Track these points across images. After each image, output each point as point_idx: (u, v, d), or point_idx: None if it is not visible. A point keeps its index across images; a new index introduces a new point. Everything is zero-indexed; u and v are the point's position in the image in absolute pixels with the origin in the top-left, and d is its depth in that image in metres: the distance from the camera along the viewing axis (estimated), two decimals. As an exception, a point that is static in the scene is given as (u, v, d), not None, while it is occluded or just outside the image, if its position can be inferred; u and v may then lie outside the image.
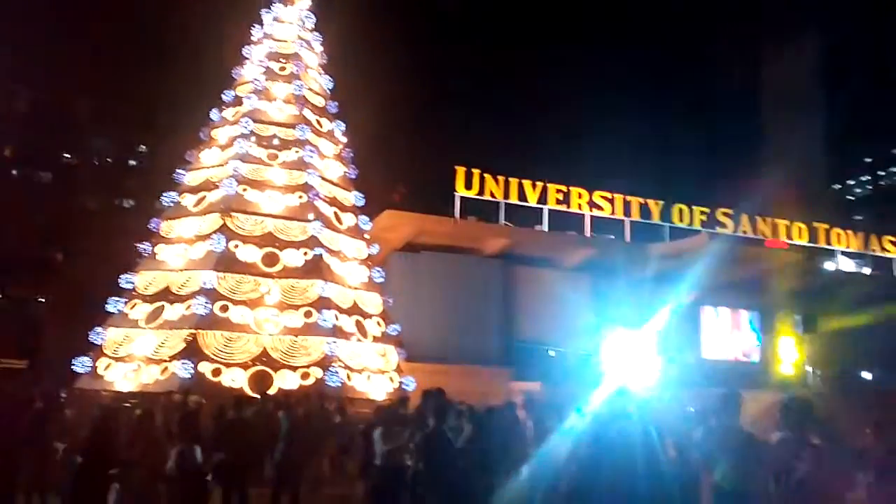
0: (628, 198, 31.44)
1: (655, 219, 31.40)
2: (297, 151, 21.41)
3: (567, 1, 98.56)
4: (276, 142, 21.45)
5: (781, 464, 5.17)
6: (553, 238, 30.64)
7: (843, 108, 57.90)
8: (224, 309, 18.47)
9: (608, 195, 31.27)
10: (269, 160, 21.13)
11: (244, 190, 20.29)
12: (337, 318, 19.46)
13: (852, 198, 58.55)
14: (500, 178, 29.71)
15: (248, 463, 8.95)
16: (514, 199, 29.75)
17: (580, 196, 30.85)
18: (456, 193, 28.94)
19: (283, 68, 23.14)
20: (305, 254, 19.86)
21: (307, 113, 22.53)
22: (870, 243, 34.47)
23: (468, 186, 29.10)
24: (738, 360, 31.78)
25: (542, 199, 30.19)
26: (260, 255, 19.48)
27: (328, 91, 24.03)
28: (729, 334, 32.43)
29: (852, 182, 59.05)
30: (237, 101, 22.50)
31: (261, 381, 17.75)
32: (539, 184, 30.28)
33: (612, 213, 31.19)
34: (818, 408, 5.64)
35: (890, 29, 54.57)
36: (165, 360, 17.71)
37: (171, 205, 20.99)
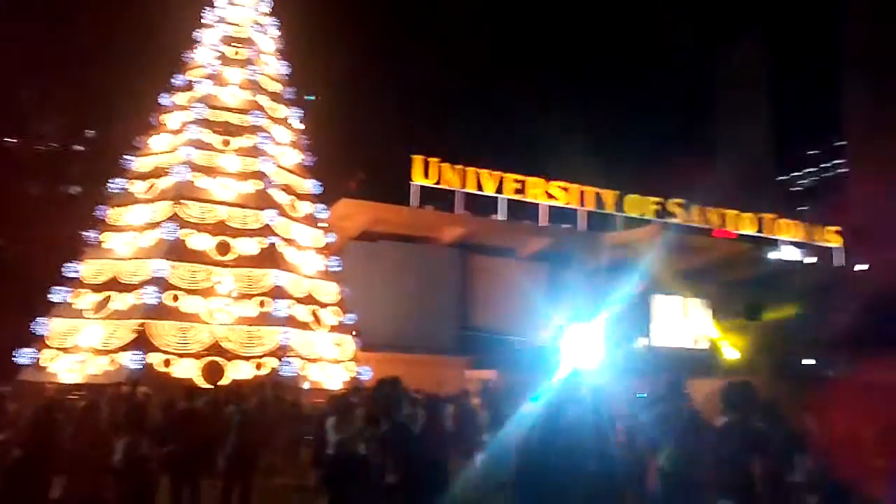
0: (583, 188, 31.89)
1: (609, 209, 31.93)
2: (250, 138, 21.02)
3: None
4: (229, 128, 21.02)
5: (725, 447, 5.33)
6: (510, 227, 30.88)
7: (789, 103, 59.59)
8: (175, 298, 18.09)
9: (564, 185, 31.66)
10: (222, 147, 20.70)
11: (196, 177, 19.84)
12: (291, 308, 19.26)
13: (797, 189, 60.42)
14: (458, 167, 29.79)
15: (200, 454, 8.81)
16: (471, 189, 29.87)
17: (536, 186, 31.16)
18: (413, 182, 28.90)
19: (237, 53, 22.63)
20: (260, 242, 19.57)
21: (262, 99, 22.12)
22: (813, 233, 35.72)
23: (425, 175, 29.10)
24: (687, 347, 32.57)
25: (499, 188, 30.39)
26: (213, 244, 19.11)
27: (284, 77, 23.63)
28: (679, 322, 33.17)
29: (797, 174, 60.93)
30: (188, 86, 21.93)
31: (213, 371, 17.48)
32: (496, 173, 30.46)
33: (568, 202, 31.60)
34: (760, 392, 5.82)
35: (835, 26, 56.26)
36: (114, 351, 17.28)
37: (120, 192, 20.40)
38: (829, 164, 58.32)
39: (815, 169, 59.75)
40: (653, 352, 28.81)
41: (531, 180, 31.12)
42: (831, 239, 36.09)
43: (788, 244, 34.84)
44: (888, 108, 50.93)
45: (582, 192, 31.75)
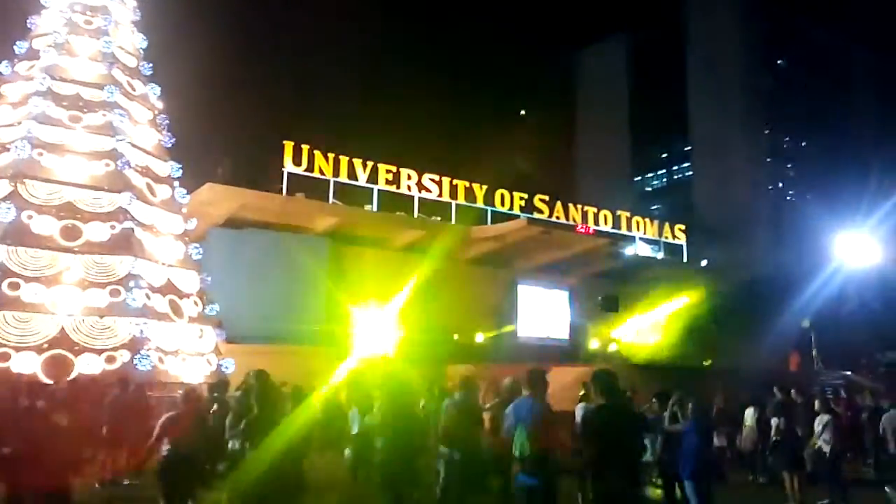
0: (455, 181, 32.44)
1: (479, 202, 32.69)
2: (104, 115, 19.44)
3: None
4: (80, 103, 19.33)
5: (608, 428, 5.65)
6: (382, 218, 30.80)
7: (645, 108, 63.70)
8: (14, 287, 16.44)
9: (436, 178, 32.04)
10: (71, 123, 18.99)
11: (40, 154, 18.08)
12: (148, 298, 18.10)
13: (650, 189, 64.78)
14: (331, 155, 29.31)
15: (40, 457, 8.09)
16: (343, 178, 29.49)
17: (409, 177, 31.31)
18: (284, 169, 28.10)
19: (89, 21, 20.82)
20: (113, 227, 18.18)
21: (117, 73, 20.52)
22: (663, 231, 38.52)
23: (297, 162, 28.37)
24: (550, 338, 34.12)
25: (373, 178, 30.24)
26: (58, 228, 17.52)
27: (141, 51, 22.05)
28: (543, 313, 34.67)
29: (650, 175, 65.29)
30: (33, 54, 19.94)
31: (58, 366, 16.07)
32: (370, 163, 30.27)
33: (440, 195, 32.01)
34: (619, 380, 6.19)
35: (691, 34, 60.74)
36: (-62, 345, 15.46)
37: (-53, 167, 18.21)
38: (676, 167, 62.90)
39: (665, 171, 64.24)
40: (519, 342, 29.91)
41: (405, 171, 31.23)
42: (680, 236, 39.09)
43: (642, 240, 37.30)
44: (726, 115, 55.82)
45: (454, 186, 32.29)
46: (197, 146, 27.00)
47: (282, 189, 28.10)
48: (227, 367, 19.20)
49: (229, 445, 8.28)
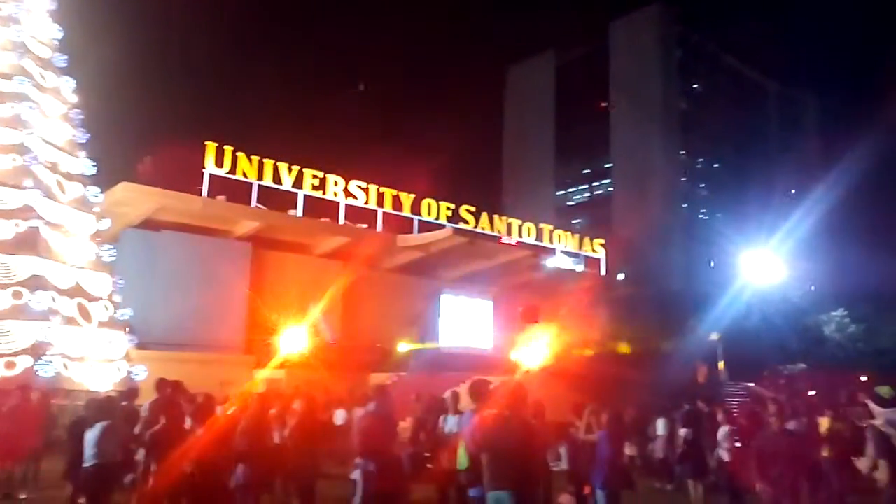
0: (382, 189, 32.35)
1: (406, 211, 32.71)
2: (12, 106, 18.46)
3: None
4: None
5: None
6: (306, 224, 30.35)
7: (569, 125, 65.46)
8: None
9: (363, 185, 31.86)
10: (-26, 113, 17.94)
11: (-63, 145, 16.98)
12: (54, 301, 17.21)
13: (572, 203, 66.50)
14: (255, 157, 28.69)
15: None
16: (268, 181, 28.92)
17: (336, 183, 31.01)
18: (205, 170, 27.31)
19: (-2, 7, 19.73)
20: (17, 225, 17.24)
21: (28, 63, 19.52)
22: (583, 244, 39.62)
23: (219, 164, 27.64)
24: (473, 347, 34.41)
25: (298, 183, 29.79)
26: (-45, 224, 16.48)
27: (56, 42, 21.03)
28: (466, 323, 34.95)
29: (573, 189, 67.03)
30: (-68, 39, 18.73)
31: (-50, 372, 15.06)
32: (295, 167, 29.81)
33: (367, 202, 31.85)
34: (528, 389, 6.32)
35: (615, 56, 62.85)
36: None
37: None
38: (598, 183, 64.84)
39: (587, 186, 66.12)
40: (442, 351, 30.03)
41: (331, 177, 30.92)
42: (598, 250, 40.31)
43: (562, 253, 38.21)
44: (645, 136, 58.08)
45: (380, 193, 32.20)
46: (114, 144, 25.89)
47: (202, 191, 27.28)
48: (137, 375, 18.47)
49: (137, 456, 7.98)
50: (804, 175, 59.21)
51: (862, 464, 5.38)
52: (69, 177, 19.52)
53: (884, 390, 5.51)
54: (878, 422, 5.26)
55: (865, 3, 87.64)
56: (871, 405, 5.44)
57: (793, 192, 59.31)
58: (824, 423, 12.65)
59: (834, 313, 37.79)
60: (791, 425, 12.18)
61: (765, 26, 62.97)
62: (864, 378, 35.43)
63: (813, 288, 42.13)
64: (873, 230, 49.90)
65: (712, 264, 55.79)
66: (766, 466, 6.53)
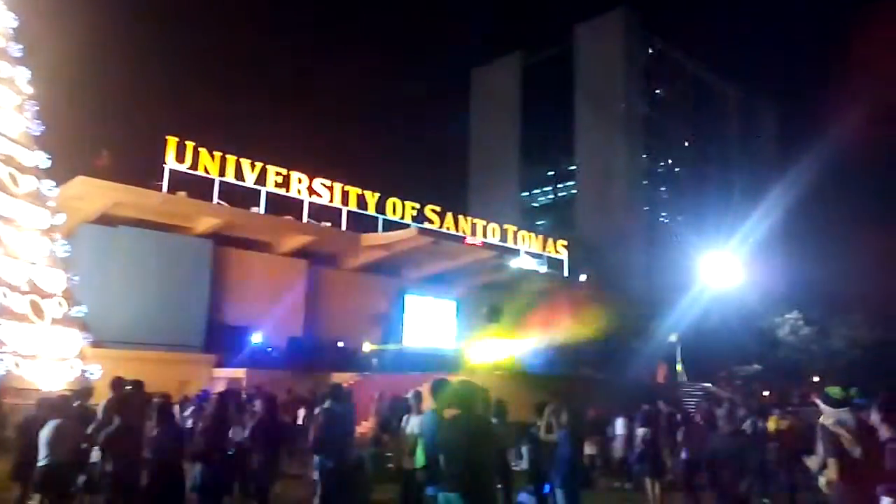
0: (346, 187, 32.13)
1: (371, 210, 32.55)
2: (-38, 96, 17.84)
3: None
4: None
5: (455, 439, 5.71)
6: (269, 221, 29.99)
7: (535, 127, 65.97)
8: None
9: (328, 183, 31.60)
10: (-79, 101, 17.28)
11: None
12: (6, 297, 16.70)
13: (536, 205, 67.01)
14: (217, 153, 28.24)
15: None
16: (230, 178, 28.49)
17: (300, 181, 30.70)
18: (165, 165, 26.80)
19: (-53, -8, 19.05)
20: (-33, 219, 16.68)
21: (-21, 51, 18.88)
22: (547, 245, 39.97)
23: (180, 159, 27.14)
24: (437, 347, 34.41)
25: (261, 180, 29.41)
26: None
27: (11, 31, 20.38)
28: (430, 323, 34.93)
29: (537, 191, 67.54)
30: None
31: None
32: (259, 164, 29.43)
33: (331, 200, 31.60)
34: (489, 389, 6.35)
35: (580, 60, 63.45)
36: None
37: None
38: (561, 185, 65.43)
39: (551, 188, 66.69)
40: (405, 351, 29.96)
41: (295, 174, 30.60)
42: (561, 251, 40.70)
43: (526, 254, 38.48)
44: (609, 139, 58.84)
45: (345, 192, 31.98)
46: (70, 137, 25.20)
47: (162, 186, 26.75)
48: (91, 373, 18.03)
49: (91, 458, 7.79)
50: (762, 181, 60.79)
51: (812, 462, 5.53)
52: (23, 170, 18.94)
53: (833, 391, 5.67)
54: (827, 421, 5.40)
55: (826, 16, 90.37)
56: (822, 405, 5.59)
57: (750, 197, 60.83)
58: (772, 422, 13.03)
59: (788, 316, 38.82)
60: (747, 425, 12.53)
61: (727, 35, 64.60)
62: (816, 379, 36.65)
63: (768, 291, 43.21)
64: (826, 235, 51.48)
65: (672, 266, 56.83)
66: (717, 468, 6.68)
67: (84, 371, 18.13)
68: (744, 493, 6.97)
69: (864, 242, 45.07)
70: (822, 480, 5.31)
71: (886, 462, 4.93)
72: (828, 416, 5.47)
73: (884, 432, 5.10)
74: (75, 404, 8.49)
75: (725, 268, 36.29)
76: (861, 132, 41.85)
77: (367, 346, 30.16)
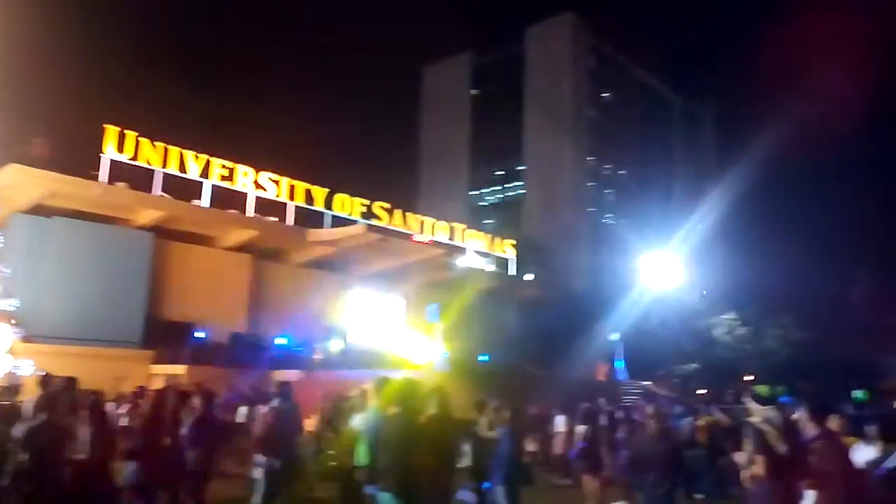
0: (294, 182, 31.70)
1: (318, 205, 32.20)
2: None
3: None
4: None
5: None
6: (213, 215, 29.35)
7: (484, 127, 66.37)
8: None
9: (275, 177, 31.12)
10: None
11: None
12: (-72, 289, 15.92)
13: (484, 204, 67.41)
14: (159, 144, 27.49)
15: None
16: (173, 169, 27.77)
17: (246, 174, 30.16)
18: (104, 155, 25.92)
19: None
20: None
21: None
22: (494, 244, 40.30)
23: (120, 149, 26.30)
24: (382, 345, 34.25)
25: (206, 172, 28.76)
26: None
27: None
28: (376, 320, 34.76)
29: (486, 190, 67.94)
30: None
31: None
32: (203, 156, 28.78)
33: (278, 195, 31.14)
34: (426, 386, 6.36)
35: (530, 62, 64.09)
36: None
37: None
38: (509, 185, 65.98)
39: (499, 188, 67.19)
40: (350, 349, 29.74)
41: (241, 168, 30.03)
42: (507, 250, 41.11)
43: (474, 252, 38.72)
44: (557, 141, 59.67)
45: (292, 187, 31.55)
46: (2, 123, 24.12)
47: (99, 177, 25.87)
48: (22, 369, 17.35)
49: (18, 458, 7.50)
50: (701, 184, 62.67)
51: (741, 458, 5.76)
52: (-51, 155, 18.09)
53: (762, 389, 5.94)
54: (756, 419, 5.64)
55: (768, 27, 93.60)
56: (751, 403, 5.83)
57: (692, 199, 62.59)
58: (701, 420, 13.51)
59: (724, 316, 40.09)
60: (684, 423, 12.94)
61: (671, 43, 66.24)
62: (749, 377, 38.02)
63: (705, 292, 44.56)
64: (761, 238, 53.47)
65: (616, 267, 58.07)
66: (640, 468, 6.86)
67: (14, 367, 17.45)
68: (672, 491, 7.19)
69: (797, 244, 47.03)
70: (745, 474, 5.53)
71: (811, 459, 5.17)
72: (756, 414, 5.71)
73: (810, 430, 5.35)
74: (2, 402, 8.17)
75: (667, 269, 37.29)
76: (794, 137, 43.54)
77: (311, 344, 29.83)
